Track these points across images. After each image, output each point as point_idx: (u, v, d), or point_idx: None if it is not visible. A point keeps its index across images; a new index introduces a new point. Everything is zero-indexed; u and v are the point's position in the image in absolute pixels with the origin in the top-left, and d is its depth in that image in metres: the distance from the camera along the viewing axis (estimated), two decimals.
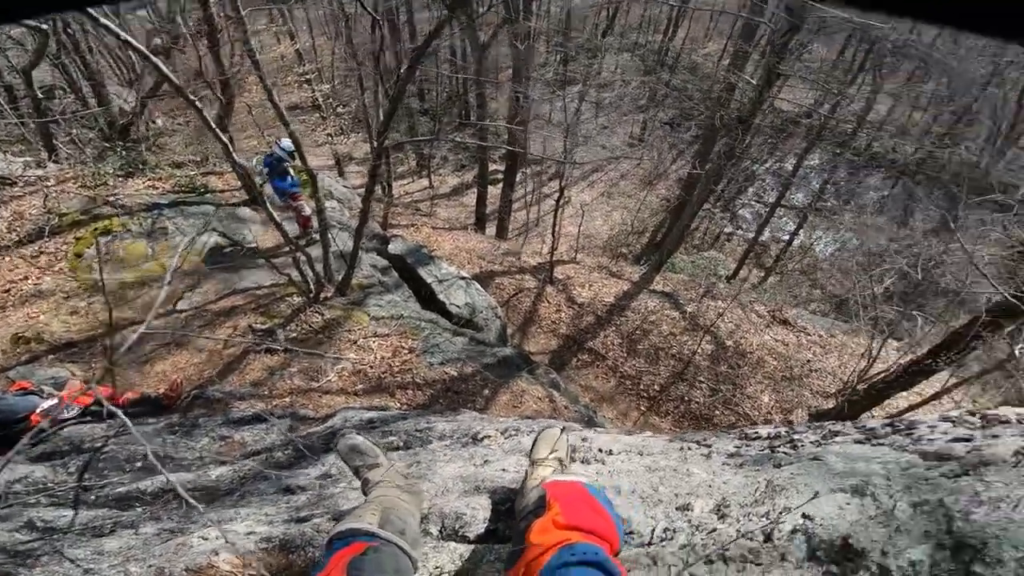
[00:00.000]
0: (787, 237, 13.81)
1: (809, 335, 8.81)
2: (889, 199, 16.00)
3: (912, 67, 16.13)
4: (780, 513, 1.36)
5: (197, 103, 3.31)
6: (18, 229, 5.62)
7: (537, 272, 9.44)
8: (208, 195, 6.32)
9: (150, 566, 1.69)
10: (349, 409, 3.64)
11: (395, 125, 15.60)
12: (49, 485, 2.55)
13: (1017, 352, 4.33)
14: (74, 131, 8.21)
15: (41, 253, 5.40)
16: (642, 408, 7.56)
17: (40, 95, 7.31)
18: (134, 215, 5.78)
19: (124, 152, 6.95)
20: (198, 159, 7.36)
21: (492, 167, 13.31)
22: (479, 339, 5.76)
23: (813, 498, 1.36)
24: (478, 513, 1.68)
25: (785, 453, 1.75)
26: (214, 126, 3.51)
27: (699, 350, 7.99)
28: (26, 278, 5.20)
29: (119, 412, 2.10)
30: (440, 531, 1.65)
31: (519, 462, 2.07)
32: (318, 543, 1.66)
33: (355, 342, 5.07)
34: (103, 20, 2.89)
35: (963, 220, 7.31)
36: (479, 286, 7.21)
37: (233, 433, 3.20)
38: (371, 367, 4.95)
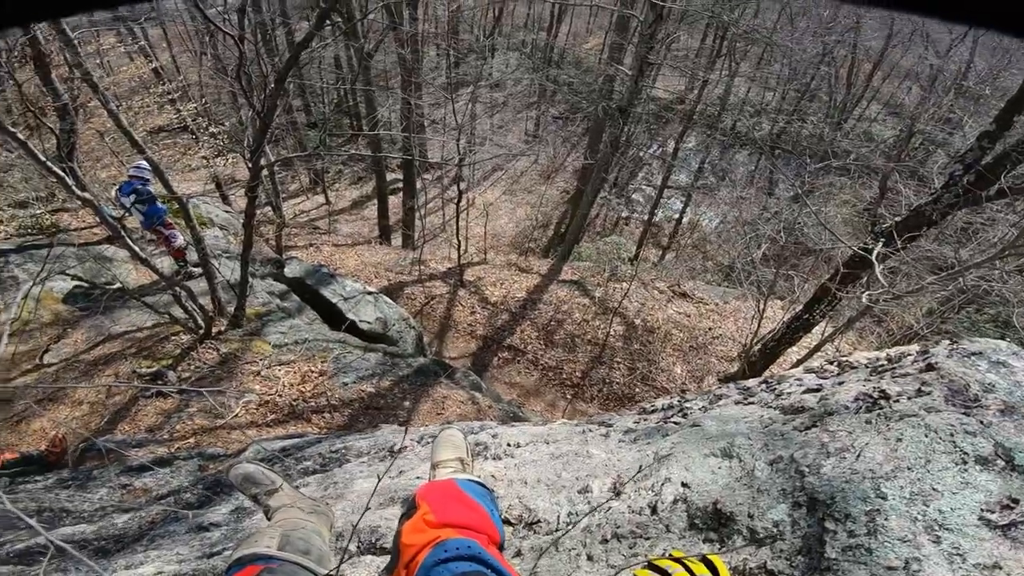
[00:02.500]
0: (677, 215, 14.93)
1: (707, 304, 9.46)
2: (755, 173, 17.82)
3: (760, 51, 18.06)
4: (662, 484, 1.34)
5: (18, 135, 2.96)
6: None
7: (447, 277, 9.43)
8: (60, 235, 5.63)
9: None
10: (262, 441, 3.55)
11: (280, 141, 14.76)
12: None
13: (866, 299, 4.92)
14: None
15: None
16: (568, 396, 7.74)
17: None
18: None
19: None
20: (43, 196, 6.48)
21: (391, 176, 13.02)
22: (393, 352, 5.67)
23: (690, 465, 1.36)
24: (393, 524, 1.68)
25: (675, 423, 1.78)
26: (45, 159, 3.16)
27: (611, 332, 8.31)
28: None
29: None
30: (359, 547, 1.65)
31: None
32: None
33: (258, 373, 4.83)
34: None
35: (813, 185, 8.28)
36: (388, 299, 7.09)
37: (134, 480, 3.10)
38: (280, 396, 4.75)
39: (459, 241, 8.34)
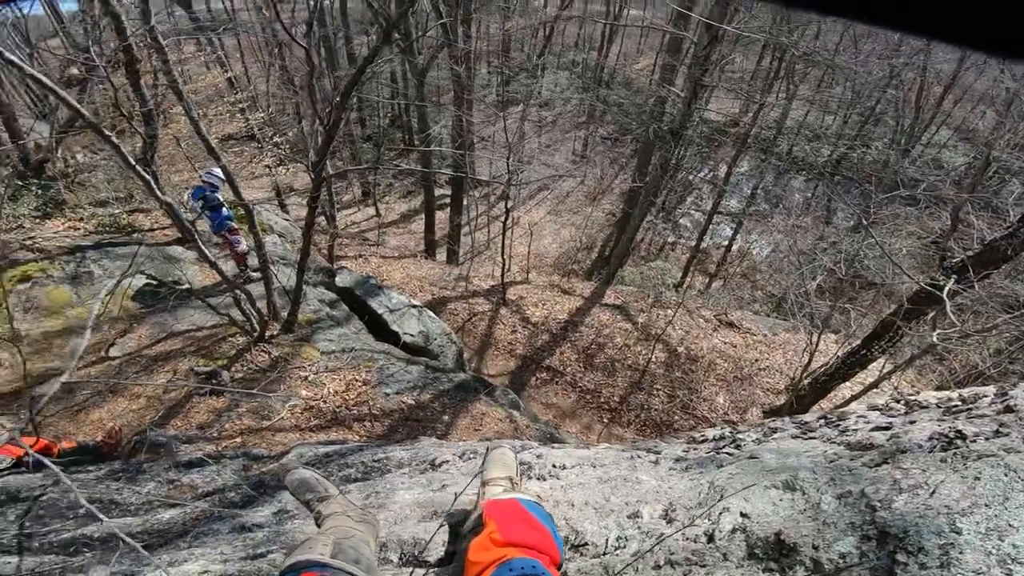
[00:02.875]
0: (726, 242, 14.50)
1: (755, 335, 9.17)
2: (812, 200, 17.14)
3: (821, 73, 17.48)
4: (720, 514, 1.36)
5: (113, 138, 3.16)
6: None
7: (490, 295, 9.48)
8: (136, 234, 5.99)
9: None
10: (304, 445, 3.56)
11: (337, 153, 15.34)
12: None
13: (936, 338, 4.64)
14: None
15: None
16: (604, 420, 7.64)
17: None
18: (55, 259, 5.39)
19: (40, 191, 6.47)
20: (123, 196, 6.94)
21: (439, 191, 13.28)
22: (435, 366, 5.71)
23: (749, 496, 1.38)
24: (437, 537, 1.69)
25: (728, 454, 1.79)
26: (133, 162, 3.36)
27: (653, 359, 8.18)
28: None
29: (46, 460, 2.01)
30: (400, 558, 1.67)
31: (476, 484, 2.12)
32: None
33: (306, 378, 4.93)
34: (7, 55, 2.73)
35: (877, 216, 7.91)
36: (432, 313, 7.17)
37: (182, 476, 3.11)
38: (324, 402, 4.83)
39: (503, 260, 8.38)
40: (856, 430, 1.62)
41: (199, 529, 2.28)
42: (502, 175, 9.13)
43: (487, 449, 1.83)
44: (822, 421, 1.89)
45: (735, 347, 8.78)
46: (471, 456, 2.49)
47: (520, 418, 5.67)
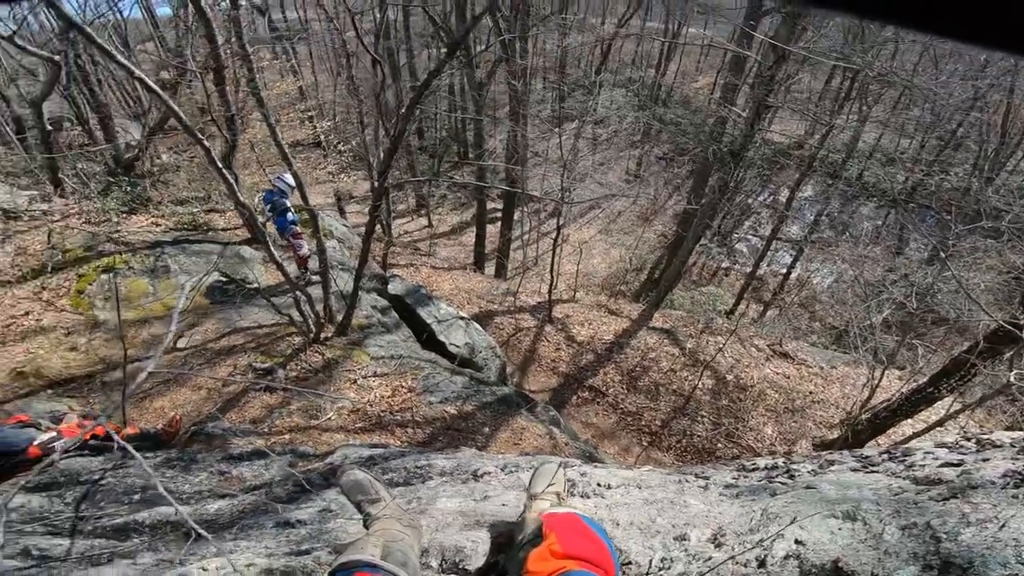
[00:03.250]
0: (784, 270, 13.88)
1: (810, 367, 8.84)
2: (883, 228, 16.16)
3: (897, 94, 16.53)
4: (773, 540, 1.37)
5: (204, 141, 3.36)
6: (21, 264, 5.63)
7: (536, 311, 9.49)
8: (210, 233, 6.36)
9: None
10: (349, 446, 3.64)
11: (395, 163, 15.82)
12: (46, 514, 2.53)
13: (1013, 378, 4.31)
14: (80, 165, 8.27)
15: (43, 289, 5.39)
16: (644, 443, 7.54)
17: (49, 127, 7.38)
18: (137, 252, 5.81)
19: (129, 187, 7.00)
20: (201, 196, 7.42)
21: (491, 205, 13.45)
22: (479, 378, 5.73)
23: (805, 524, 1.38)
24: (478, 546, 1.70)
25: (782, 483, 1.79)
26: (220, 165, 3.56)
27: (700, 385, 8.01)
28: (27, 313, 5.19)
29: (133, 451, 2.09)
30: (440, 564, 1.68)
31: (519, 497, 2.10)
32: (316, 575, 1.70)
33: (355, 381, 5.06)
34: (119, 57, 2.95)
35: (956, 247, 7.39)
36: (478, 326, 7.22)
37: (232, 468, 3.19)
38: (371, 405, 4.92)
39: (552, 277, 8.37)
40: (924, 465, 1.64)
41: (245, 521, 2.35)
42: (555, 192, 9.15)
43: (536, 464, 1.84)
44: (885, 456, 1.89)
45: (788, 378, 8.50)
46: (512, 470, 2.48)
47: (560, 435, 5.61)
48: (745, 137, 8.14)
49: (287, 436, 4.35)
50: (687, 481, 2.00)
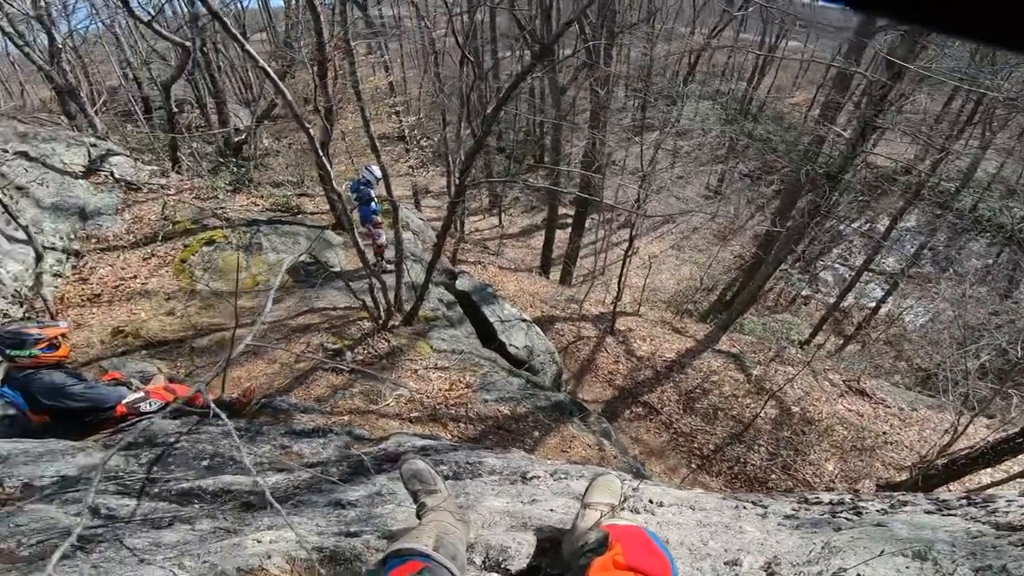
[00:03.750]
0: (873, 304, 12.78)
1: (888, 407, 8.38)
2: (993, 267, 14.49)
3: None
4: (833, 573, 1.36)
5: (310, 129, 3.60)
6: (136, 231, 6.27)
7: (598, 321, 9.41)
8: (300, 216, 6.80)
9: (204, 562, 1.75)
10: (403, 435, 3.71)
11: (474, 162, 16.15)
12: (120, 473, 2.63)
13: None
14: (195, 145, 9.11)
15: (152, 256, 5.97)
16: (693, 466, 7.39)
17: (174, 109, 8.18)
18: (235, 228, 6.31)
19: (235, 169, 7.63)
20: (295, 181, 7.96)
21: (562, 211, 13.41)
22: (535, 382, 5.73)
23: (867, 560, 1.36)
24: (522, 548, 1.71)
25: (847, 519, 1.76)
26: (321, 153, 3.80)
27: (762, 413, 7.74)
28: (135, 277, 5.74)
29: (224, 417, 2.19)
30: (484, 562, 1.70)
31: (567, 504, 2.10)
32: (365, 559, 1.73)
33: (416, 371, 5.18)
34: (247, 46, 3.22)
35: None
36: (539, 330, 7.23)
37: (293, 444, 3.27)
38: (427, 397, 5.03)
39: (618, 288, 8.23)
40: (1007, 512, 1.61)
41: (300, 498, 2.41)
42: (629, 202, 8.98)
43: (595, 475, 1.83)
44: (964, 501, 1.85)
45: (861, 416, 8.07)
46: (562, 477, 2.48)
47: (609, 448, 5.50)
48: (845, 159, 7.60)
49: (346, 417, 4.49)
50: (744, 508, 1.96)
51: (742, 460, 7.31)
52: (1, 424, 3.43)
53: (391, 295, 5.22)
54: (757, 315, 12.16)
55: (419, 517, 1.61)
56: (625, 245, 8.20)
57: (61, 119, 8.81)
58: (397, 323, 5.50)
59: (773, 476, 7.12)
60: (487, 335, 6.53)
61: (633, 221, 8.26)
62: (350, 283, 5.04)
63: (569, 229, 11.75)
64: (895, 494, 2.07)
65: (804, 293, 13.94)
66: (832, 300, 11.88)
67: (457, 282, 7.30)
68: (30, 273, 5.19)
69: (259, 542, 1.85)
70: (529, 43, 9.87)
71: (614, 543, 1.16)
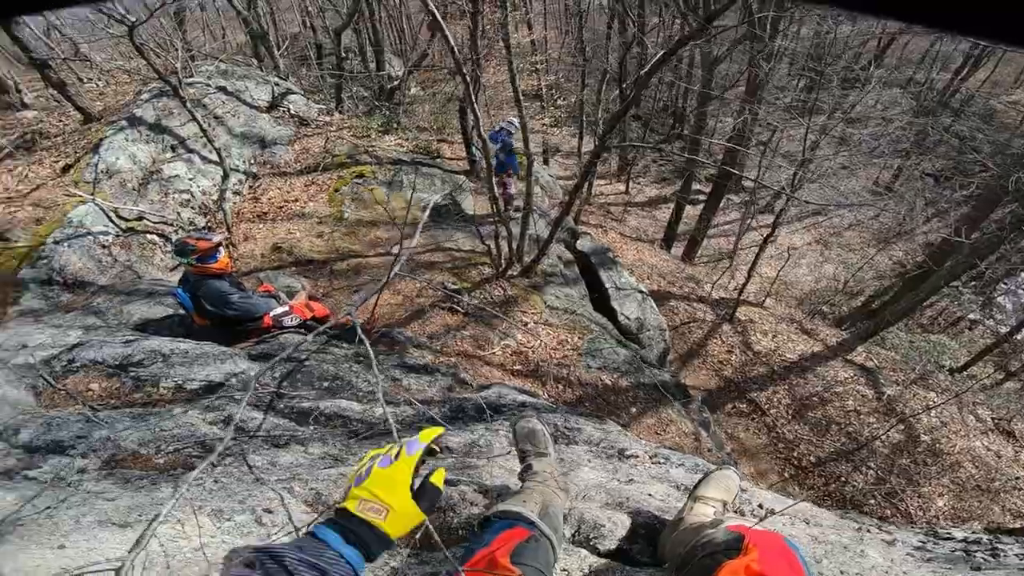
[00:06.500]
0: None
1: None
2: None
3: None
4: None
5: (468, 77, 3.71)
6: (302, 161, 7.04)
7: (717, 306, 8.86)
8: (439, 160, 7.15)
9: (311, 488, 1.81)
10: (504, 386, 3.72)
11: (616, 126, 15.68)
12: (256, 386, 2.72)
13: None
14: (355, 88, 9.93)
15: (312, 184, 6.69)
16: (785, 475, 6.93)
17: (343, 55, 8.97)
18: (382, 165, 6.84)
19: (387, 112, 8.22)
20: (436, 127, 8.36)
21: (696, 186, 12.58)
22: (642, 356, 5.58)
23: None
24: (616, 529, 1.67)
25: (984, 559, 1.70)
26: (474, 101, 3.93)
27: (884, 436, 7.01)
28: (296, 200, 6.47)
29: (365, 340, 2.37)
30: (574, 535, 1.67)
31: (666, 492, 2.03)
32: (459, 510, 1.74)
33: (526, 324, 5.24)
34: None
35: None
36: (653, 303, 6.97)
37: (403, 377, 3.32)
38: (532, 352, 5.05)
39: (748, 275, 7.61)
40: None
41: (401, 434, 2.33)
42: (778, 184, 8.15)
43: (712, 468, 1.74)
44: None
45: (999, 458, 7.09)
46: (662, 461, 2.39)
47: (705, 439, 5.20)
48: None
49: (453, 359, 4.56)
50: (868, 531, 1.85)
51: (843, 479, 6.78)
52: (171, 321, 3.86)
53: (514, 244, 5.33)
54: (906, 331, 10.69)
55: (522, 478, 1.58)
56: (762, 230, 7.52)
57: (252, 60, 10.05)
58: (515, 273, 5.62)
59: (872, 502, 6.56)
60: (600, 300, 6.44)
61: (781, 207, 7.49)
62: (478, 228, 5.22)
63: (701, 205, 11.03)
64: None
65: (972, 316, 11.85)
66: (1006, 330, 9.94)
67: (578, 242, 7.24)
68: (216, 189, 6.06)
69: None
70: (682, 9, 9.17)
71: (750, 547, 1.06)
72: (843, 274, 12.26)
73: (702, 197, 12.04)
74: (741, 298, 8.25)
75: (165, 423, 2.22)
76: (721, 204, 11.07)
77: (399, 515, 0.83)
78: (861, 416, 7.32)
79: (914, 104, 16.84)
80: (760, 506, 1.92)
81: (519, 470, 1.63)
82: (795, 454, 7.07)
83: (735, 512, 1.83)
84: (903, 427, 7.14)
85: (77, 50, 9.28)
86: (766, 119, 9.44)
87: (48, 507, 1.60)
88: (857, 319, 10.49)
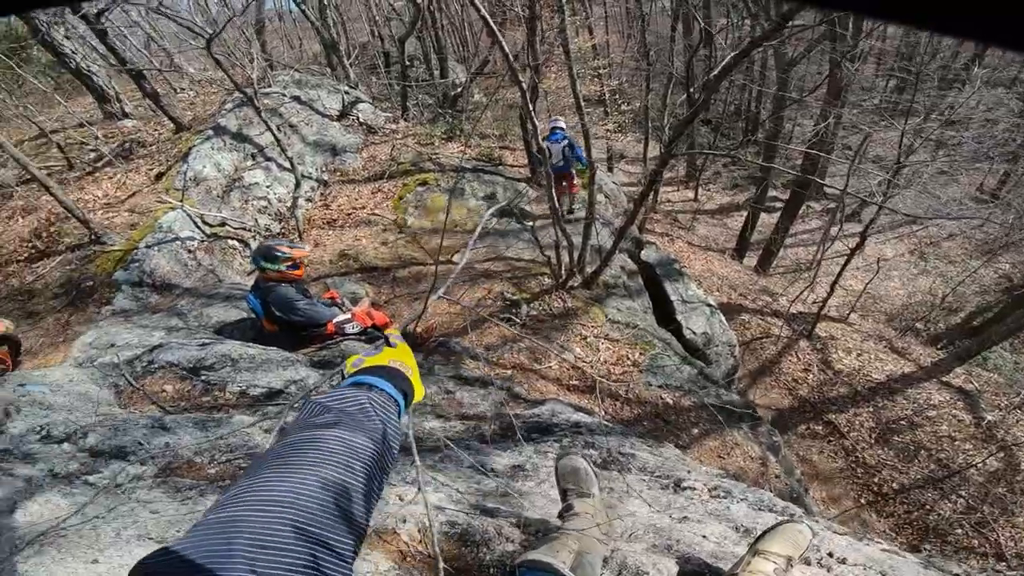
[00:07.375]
0: None
1: None
2: None
3: None
4: None
5: (524, 85, 3.64)
6: (369, 168, 7.26)
7: (794, 321, 8.30)
8: (500, 167, 7.14)
9: None
10: (558, 402, 3.62)
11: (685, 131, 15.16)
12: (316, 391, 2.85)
13: None
14: (420, 96, 10.16)
15: (379, 191, 6.87)
16: (861, 501, 6.46)
17: (407, 63, 9.20)
18: (445, 173, 6.91)
19: (450, 119, 8.34)
20: (499, 134, 8.37)
21: (771, 193, 11.88)
22: (708, 374, 5.25)
23: None
24: None
25: None
26: (531, 109, 3.86)
27: (981, 464, 6.41)
28: (364, 208, 6.66)
29: (413, 440, 2.26)
30: None
31: (723, 533, 1.86)
32: (494, 546, 1.67)
33: (585, 338, 5.05)
34: (476, 2, 3.33)
35: None
36: (723, 317, 6.59)
37: (456, 390, 3.31)
38: (590, 367, 4.84)
39: (831, 289, 7.06)
40: None
41: (448, 452, 2.36)
42: (867, 192, 7.51)
43: (781, 520, 1.56)
44: None
45: None
46: (722, 496, 2.18)
47: (773, 464, 4.80)
48: None
49: (509, 371, 4.48)
50: None
51: (927, 507, 6.27)
52: (245, 324, 4.02)
53: (575, 255, 5.19)
54: (1012, 351, 9.67)
55: (561, 517, 1.52)
56: (847, 240, 6.92)
57: (326, 70, 10.53)
58: (576, 284, 5.46)
59: (959, 531, 6.05)
60: (664, 313, 6.16)
61: (871, 216, 6.89)
62: (538, 237, 5.12)
63: (777, 213, 10.39)
64: None
65: None
66: None
67: (643, 252, 6.97)
68: (290, 196, 6.35)
69: (401, 499, 1.85)
70: (752, 9, 8.68)
71: None
72: (941, 288, 11.26)
73: (778, 204, 11.38)
74: (822, 312, 7.70)
75: (223, 429, 2.28)
76: (800, 212, 10.39)
77: (417, 382, 0.87)
78: (956, 442, 6.76)
79: (1021, 104, 15.13)
80: (830, 554, 1.72)
81: (560, 509, 1.58)
82: (875, 480, 6.61)
83: (802, 561, 1.64)
84: (1003, 455, 6.58)
85: (171, 61, 10.11)
86: (852, 122, 8.76)
87: (96, 516, 1.63)
88: (956, 337, 9.61)
